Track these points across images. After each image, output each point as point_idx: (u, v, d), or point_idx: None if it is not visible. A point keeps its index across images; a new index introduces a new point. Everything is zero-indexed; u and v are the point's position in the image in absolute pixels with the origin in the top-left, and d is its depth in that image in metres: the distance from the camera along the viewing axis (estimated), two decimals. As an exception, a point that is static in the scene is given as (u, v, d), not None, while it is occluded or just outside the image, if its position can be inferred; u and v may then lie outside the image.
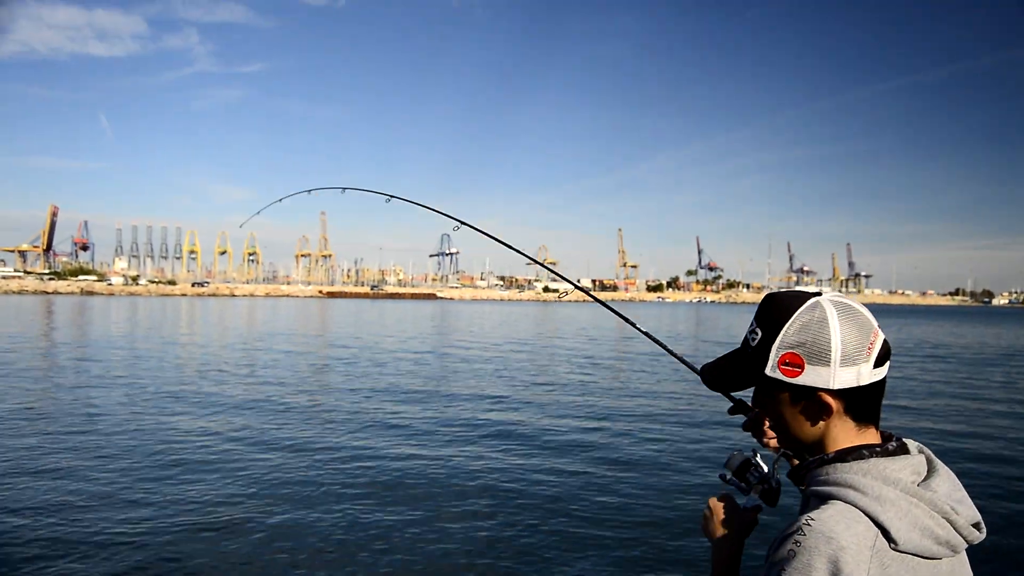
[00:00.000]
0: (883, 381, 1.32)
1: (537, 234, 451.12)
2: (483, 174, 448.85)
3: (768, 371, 1.32)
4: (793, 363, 1.30)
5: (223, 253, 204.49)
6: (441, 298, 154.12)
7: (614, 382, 18.58)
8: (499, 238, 3.42)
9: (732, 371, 1.40)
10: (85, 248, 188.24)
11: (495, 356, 25.21)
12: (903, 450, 1.31)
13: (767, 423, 1.48)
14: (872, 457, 1.28)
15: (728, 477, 1.69)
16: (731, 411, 1.85)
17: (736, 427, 1.57)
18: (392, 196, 4.07)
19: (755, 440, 1.70)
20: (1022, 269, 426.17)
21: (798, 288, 1.35)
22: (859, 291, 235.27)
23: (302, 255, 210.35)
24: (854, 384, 1.27)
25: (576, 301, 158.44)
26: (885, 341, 1.31)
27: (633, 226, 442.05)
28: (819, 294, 1.33)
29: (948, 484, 1.28)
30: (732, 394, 1.64)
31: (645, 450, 10.54)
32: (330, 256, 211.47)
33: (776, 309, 1.33)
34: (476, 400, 14.94)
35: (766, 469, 1.66)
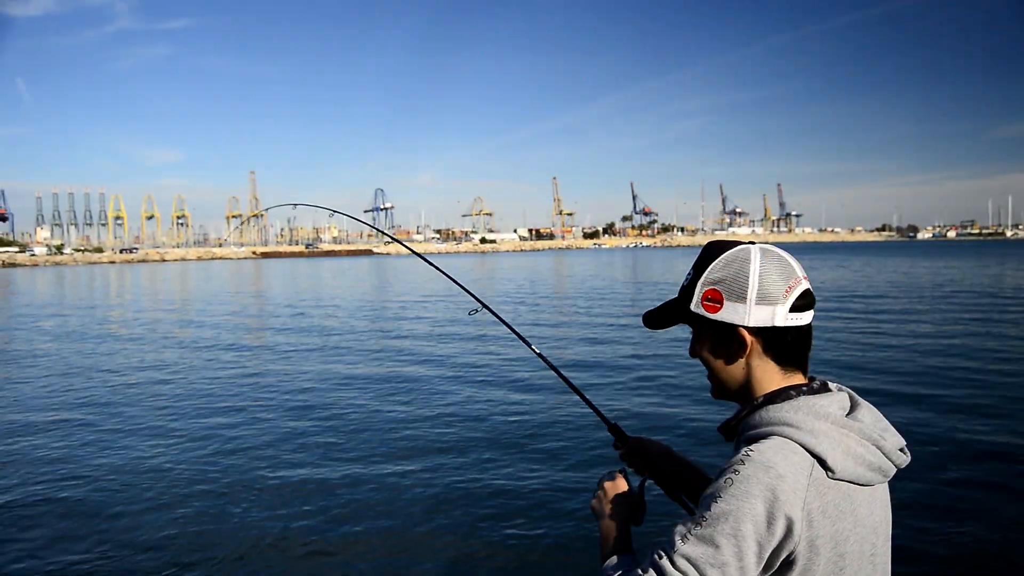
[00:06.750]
0: (806, 331, 1.36)
1: (473, 185, 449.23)
2: (419, 127, 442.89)
3: (692, 306, 1.38)
4: (714, 299, 1.35)
5: (151, 217, 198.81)
6: (377, 254, 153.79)
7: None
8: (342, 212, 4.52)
9: (665, 309, 1.46)
10: (3, 219, 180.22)
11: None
12: (826, 388, 1.36)
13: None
14: (800, 396, 1.32)
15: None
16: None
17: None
18: (335, 211, 4.50)
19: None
20: (946, 204, 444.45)
21: (734, 234, 2.00)
22: (790, 230, 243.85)
23: (233, 216, 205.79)
24: (769, 323, 1.32)
25: (511, 251, 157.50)
26: (808, 291, 1.34)
27: (569, 174, 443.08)
28: (753, 244, 1.37)
29: (872, 415, 1.34)
30: None
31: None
32: (262, 216, 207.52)
33: (708, 251, 1.40)
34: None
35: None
